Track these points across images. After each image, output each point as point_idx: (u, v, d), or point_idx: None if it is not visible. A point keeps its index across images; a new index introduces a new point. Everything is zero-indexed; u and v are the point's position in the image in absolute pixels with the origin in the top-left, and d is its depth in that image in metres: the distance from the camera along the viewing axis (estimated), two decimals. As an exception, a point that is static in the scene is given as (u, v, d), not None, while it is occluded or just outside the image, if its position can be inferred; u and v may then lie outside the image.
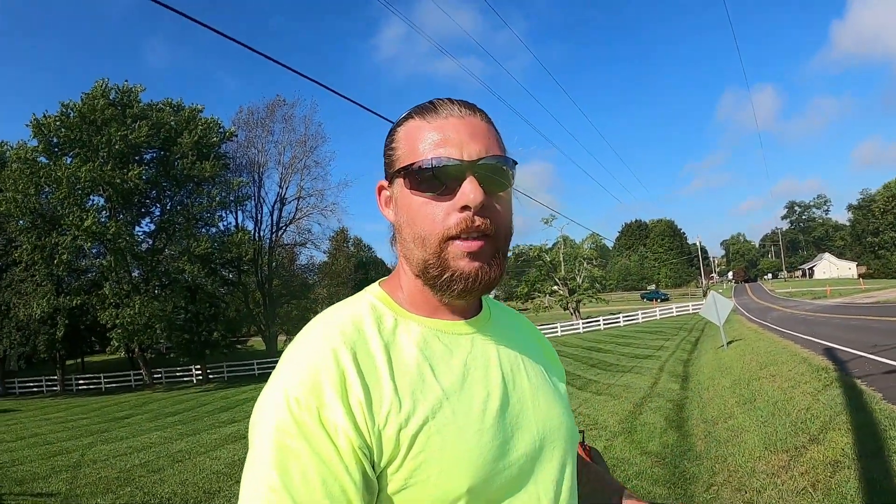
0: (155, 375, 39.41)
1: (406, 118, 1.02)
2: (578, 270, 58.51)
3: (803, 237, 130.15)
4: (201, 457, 12.53)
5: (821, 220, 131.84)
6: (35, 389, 39.30)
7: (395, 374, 0.92)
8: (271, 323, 43.57)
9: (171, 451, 13.49)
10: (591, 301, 58.59)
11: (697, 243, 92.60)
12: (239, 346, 44.56)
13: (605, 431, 10.66)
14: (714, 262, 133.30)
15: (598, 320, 48.08)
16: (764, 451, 6.78)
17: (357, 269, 51.11)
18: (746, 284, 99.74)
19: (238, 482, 7.89)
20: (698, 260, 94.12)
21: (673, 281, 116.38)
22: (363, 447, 0.86)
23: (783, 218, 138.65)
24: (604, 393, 15.42)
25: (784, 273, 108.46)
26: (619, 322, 47.13)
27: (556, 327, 47.22)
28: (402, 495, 0.89)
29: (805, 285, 67.09)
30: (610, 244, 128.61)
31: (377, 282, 1.09)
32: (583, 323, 48.32)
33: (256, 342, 49.46)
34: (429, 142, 0.97)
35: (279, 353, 43.54)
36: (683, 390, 13.81)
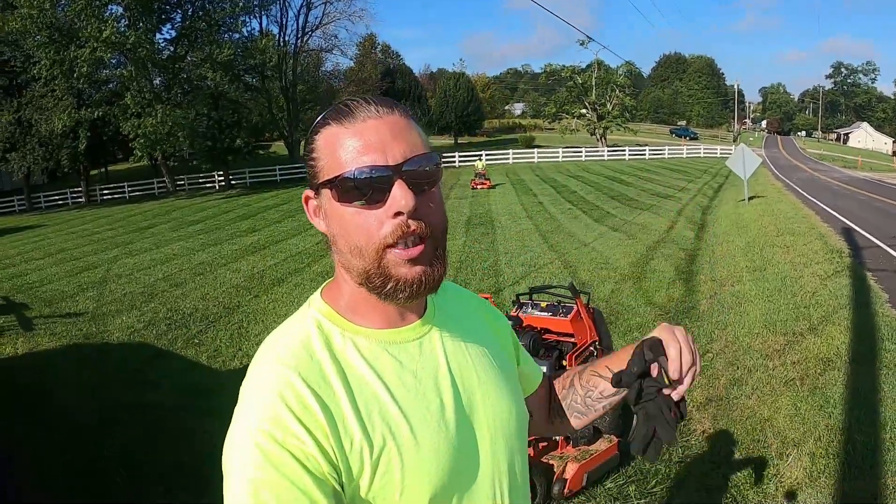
0: (178, 182, 40.09)
1: (323, 125, 0.98)
2: (609, 97, 57.15)
3: (844, 101, 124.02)
4: (222, 269, 13.02)
5: (865, 88, 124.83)
6: (60, 202, 39.80)
7: (352, 398, 0.92)
8: (294, 129, 43.49)
9: (193, 263, 14.02)
10: (618, 129, 57.71)
11: (735, 86, 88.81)
12: (261, 152, 44.77)
13: (615, 273, 10.84)
14: (749, 107, 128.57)
15: (624, 150, 47.59)
16: (763, 329, 6.89)
17: (384, 76, 49.89)
18: (779, 136, 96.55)
19: (256, 296, 8.26)
20: (734, 103, 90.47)
21: (705, 121, 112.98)
22: (332, 473, 0.88)
23: (827, 77, 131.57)
24: (620, 230, 15.59)
25: (818, 133, 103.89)
26: (644, 155, 46.59)
27: (581, 152, 46.96)
28: None
29: (837, 150, 64.66)
30: (646, 73, 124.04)
31: (319, 290, 1.07)
32: (608, 151, 47.89)
33: (279, 147, 49.55)
34: (350, 149, 0.93)
35: (302, 159, 43.61)
36: (698, 240, 13.88)
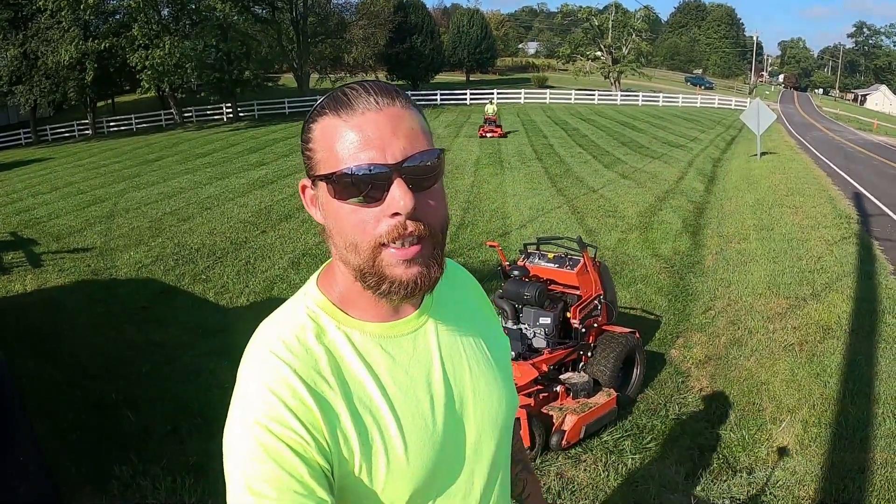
0: (185, 114, 39.62)
1: (320, 113, 0.94)
2: (626, 41, 56.06)
3: (864, 61, 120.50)
4: (229, 203, 13.02)
5: (887, 50, 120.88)
6: (67, 135, 39.25)
7: (346, 395, 0.93)
8: (304, 62, 42.73)
9: (201, 197, 13.98)
10: (633, 74, 56.77)
11: (754, 38, 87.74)
12: (270, 84, 44.07)
13: (623, 223, 10.84)
14: (767, 60, 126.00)
15: (638, 95, 46.81)
16: (766, 290, 6.91)
17: (397, 10, 48.57)
18: (795, 92, 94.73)
19: (263, 231, 8.30)
20: (752, 55, 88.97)
21: (721, 71, 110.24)
22: (326, 465, 0.89)
23: (849, 36, 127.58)
24: (629, 177, 15.52)
25: (836, 92, 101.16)
26: (657, 102, 45.80)
27: (594, 95, 46.26)
28: None
29: (853, 111, 62.80)
30: (664, 19, 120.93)
31: (315, 277, 1.04)
32: (621, 95, 47.21)
33: (288, 80, 48.79)
34: (348, 144, 0.90)
35: (312, 92, 43.89)
36: (707, 193, 13.83)
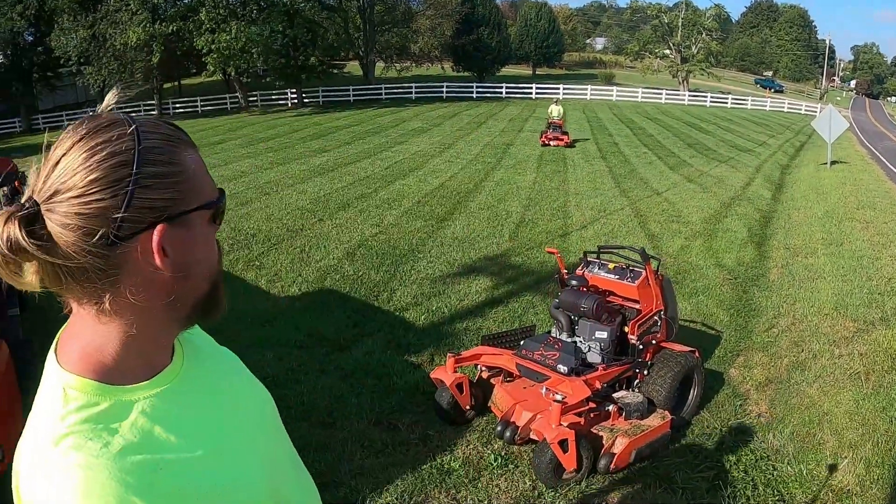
0: (251, 99, 40.32)
1: (178, 143, 0.88)
2: (695, 40, 54.85)
3: None
4: (288, 190, 13.14)
5: None
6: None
7: (173, 466, 0.85)
8: (370, 50, 43.00)
9: (260, 182, 14.15)
10: (702, 74, 55.48)
11: (827, 41, 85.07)
12: (335, 72, 44.42)
13: (686, 229, 10.58)
14: (839, 65, 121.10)
15: (706, 96, 45.75)
16: (833, 311, 6.58)
17: (464, 1, 48.38)
18: (867, 98, 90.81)
19: (320, 220, 8.15)
20: (823, 59, 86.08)
21: (792, 74, 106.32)
22: None
23: None
24: (695, 181, 15.20)
25: None
26: (726, 103, 44.71)
27: (661, 94, 45.48)
28: None
29: None
30: (735, 18, 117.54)
31: (55, 363, 0.88)
32: (689, 95, 46.19)
33: (353, 67, 49.23)
34: (203, 171, 0.91)
35: (377, 80, 44.03)
36: (774, 202, 13.37)
